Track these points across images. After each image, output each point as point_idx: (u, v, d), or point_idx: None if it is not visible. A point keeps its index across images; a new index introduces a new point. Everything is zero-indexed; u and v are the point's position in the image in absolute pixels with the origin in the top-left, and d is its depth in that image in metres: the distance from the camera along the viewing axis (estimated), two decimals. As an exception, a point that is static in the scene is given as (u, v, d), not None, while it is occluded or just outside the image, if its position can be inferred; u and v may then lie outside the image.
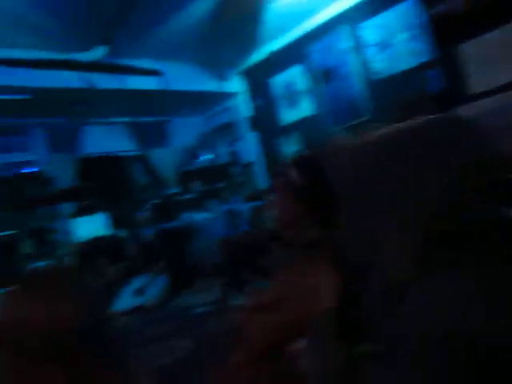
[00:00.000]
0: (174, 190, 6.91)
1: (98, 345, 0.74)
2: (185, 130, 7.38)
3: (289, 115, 6.02)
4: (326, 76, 5.39)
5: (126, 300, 4.14)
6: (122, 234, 5.35)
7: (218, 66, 6.26)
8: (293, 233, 1.56)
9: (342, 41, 5.11)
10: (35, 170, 5.71)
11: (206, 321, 3.27)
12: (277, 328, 1.28)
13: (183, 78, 5.83)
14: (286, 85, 6.00)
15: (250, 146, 6.83)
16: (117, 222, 5.70)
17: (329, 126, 5.39)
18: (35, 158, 5.82)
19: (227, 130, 7.36)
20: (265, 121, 6.39)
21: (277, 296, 1.41)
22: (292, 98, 5.93)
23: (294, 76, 5.85)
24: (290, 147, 5.90)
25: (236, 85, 6.70)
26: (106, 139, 6.53)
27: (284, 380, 1.21)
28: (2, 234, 4.99)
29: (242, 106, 6.82)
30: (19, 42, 4.35)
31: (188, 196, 6.67)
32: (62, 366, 0.69)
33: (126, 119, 6.72)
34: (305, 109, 5.78)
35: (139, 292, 4.31)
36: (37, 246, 5.31)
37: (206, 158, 7.43)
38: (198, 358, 2.40)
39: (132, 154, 6.99)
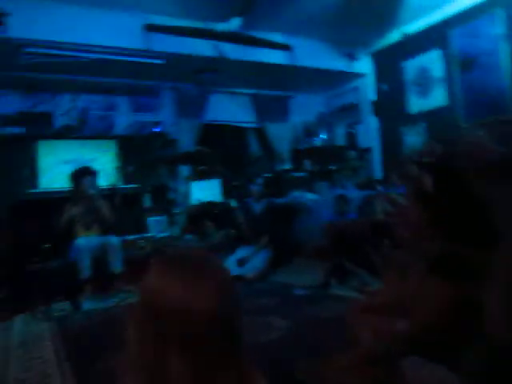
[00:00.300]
0: (286, 167, 6.94)
1: (229, 331, 0.75)
2: (305, 108, 7.31)
3: (418, 103, 5.62)
4: (467, 64, 4.91)
5: (228, 268, 4.30)
6: (233, 202, 5.53)
7: (348, 45, 6.04)
8: (413, 238, 1.46)
9: (494, 26, 4.58)
10: (162, 130, 6.11)
11: (306, 304, 3.23)
12: (389, 336, 1.22)
13: (312, 54, 5.74)
14: (419, 70, 5.60)
15: (369, 131, 6.57)
16: (228, 190, 5.91)
17: (462, 119, 4.94)
18: (163, 119, 6.23)
19: (348, 112, 7.14)
20: (390, 106, 6.06)
21: (389, 300, 1.34)
22: (424, 84, 5.52)
23: (430, 61, 5.42)
24: (415, 138, 5.53)
25: (364, 66, 6.42)
26: (228, 108, 6.74)
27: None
28: (129, 186, 5.46)
29: (368, 88, 6.53)
30: (161, 9, 4.63)
31: (299, 174, 6.66)
32: (197, 351, 0.70)
33: (250, 91, 6.85)
34: (437, 98, 5.34)
35: (242, 262, 4.45)
36: (156, 202, 5.75)
37: (322, 137, 7.32)
38: (296, 341, 2.38)
39: (250, 125, 7.14)
